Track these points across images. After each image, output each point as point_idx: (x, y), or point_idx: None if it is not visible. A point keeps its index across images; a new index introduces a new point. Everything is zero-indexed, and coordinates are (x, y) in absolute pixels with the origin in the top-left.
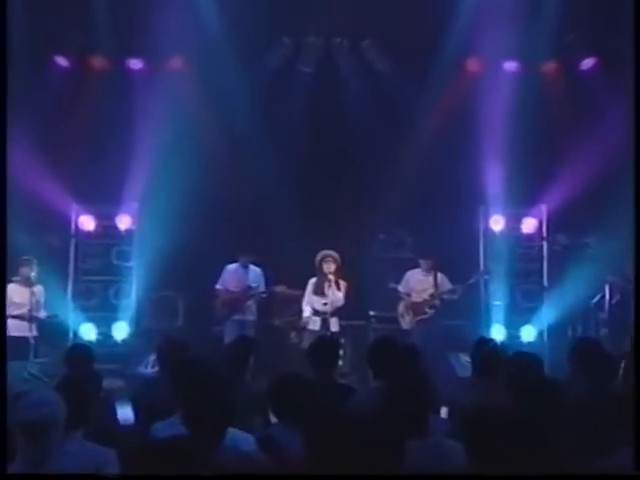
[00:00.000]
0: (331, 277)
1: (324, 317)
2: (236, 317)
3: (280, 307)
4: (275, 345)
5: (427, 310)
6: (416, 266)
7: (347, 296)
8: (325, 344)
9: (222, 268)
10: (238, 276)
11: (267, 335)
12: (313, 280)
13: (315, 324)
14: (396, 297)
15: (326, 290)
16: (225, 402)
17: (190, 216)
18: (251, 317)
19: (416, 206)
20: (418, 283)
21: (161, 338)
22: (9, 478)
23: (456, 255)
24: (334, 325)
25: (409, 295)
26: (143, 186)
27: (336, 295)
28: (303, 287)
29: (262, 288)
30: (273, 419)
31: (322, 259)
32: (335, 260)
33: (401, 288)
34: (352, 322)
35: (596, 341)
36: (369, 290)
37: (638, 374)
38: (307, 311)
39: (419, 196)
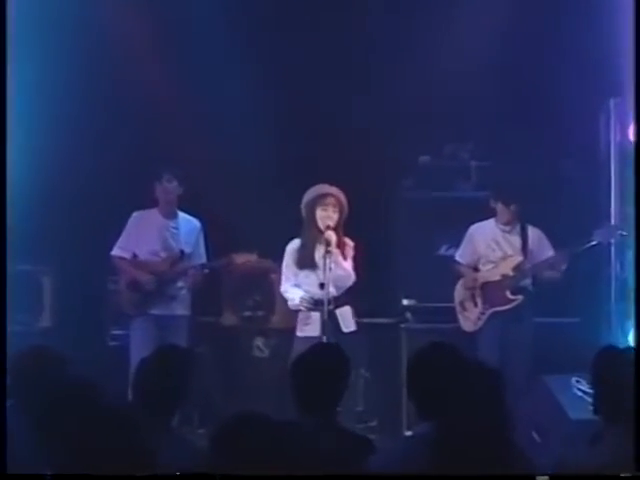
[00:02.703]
0: (330, 235)
1: (321, 309)
2: (154, 311)
3: (237, 292)
4: (227, 362)
5: (509, 296)
6: (488, 215)
7: (359, 270)
8: (321, 362)
9: (125, 219)
10: (157, 233)
11: (212, 344)
12: (296, 242)
13: (310, 324)
14: (451, 273)
15: (318, 259)
16: (137, 462)
17: (69, 122)
18: (181, 310)
19: (488, 103)
20: (492, 246)
21: (16, 347)
22: (9, 478)
23: (563, 194)
24: (348, 320)
25: (475, 269)
26: None
27: (341, 268)
28: (279, 255)
29: (203, 257)
30: None
31: (315, 201)
32: (339, 204)
33: (460, 257)
34: (370, 319)
35: None
36: (401, 261)
37: (638, 372)
38: (294, 298)
39: (494, 84)
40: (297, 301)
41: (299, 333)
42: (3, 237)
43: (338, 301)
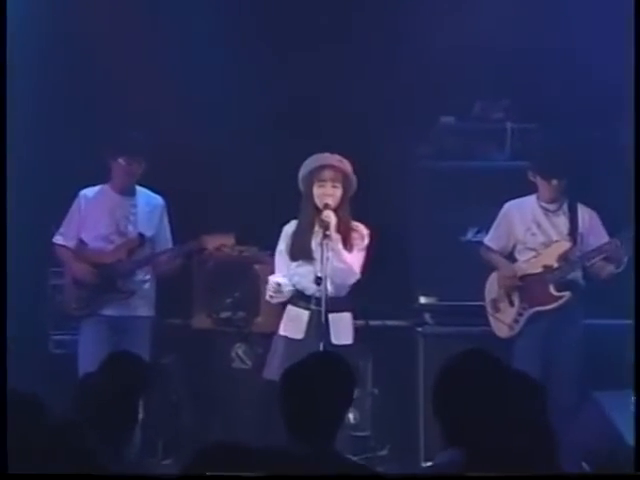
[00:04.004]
0: (328, 216)
1: (317, 310)
2: (107, 311)
3: (212, 287)
4: (199, 376)
5: (553, 292)
6: (527, 191)
7: (367, 261)
8: (317, 375)
9: (71, 197)
10: (109, 213)
11: (181, 352)
12: (293, 224)
13: (295, 323)
14: (481, 263)
15: (315, 247)
16: None
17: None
18: (142, 310)
19: (527, 51)
20: (533, 230)
21: None
22: (9, 478)
23: (621, 165)
24: (341, 330)
25: (512, 257)
26: None
27: (340, 260)
28: (266, 241)
29: (169, 241)
30: None
31: (312, 175)
32: (342, 177)
33: (491, 241)
34: (380, 322)
35: None
36: (418, 248)
37: (638, 372)
38: (278, 295)
39: (534, 29)
40: (280, 295)
41: (281, 331)
42: (3, 236)
43: (334, 303)
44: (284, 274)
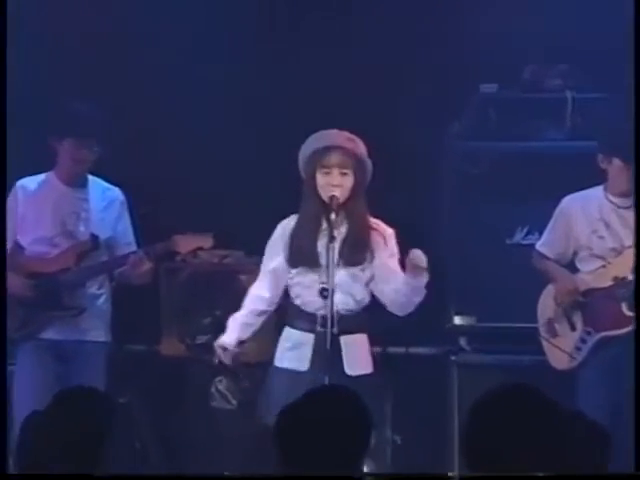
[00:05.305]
0: (337, 211)
1: (324, 332)
2: (49, 334)
3: (185, 303)
4: (169, 418)
5: (627, 313)
6: (593, 180)
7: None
8: (322, 417)
9: (5, 189)
10: (52, 209)
11: (145, 387)
12: (290, 221)
13: (299, 354)
14: (532, 273)
15: (320, 251)
16: None
17: None
18: (95, 333)
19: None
20: (600, 231)
21: None
22: (9, 478)
23: None
24: (357, 357)
25: (573, 267)
26: None
27: (352, 262)
28: (253, 244)
29: (132, 244)
30: None
31: (315, 159)
32: (352, 161)
33: (546, 246)
34: (404, 349)
35: None
36: (452, 255)
37: (638, 374)
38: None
39: None
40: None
41: (278, 362)
42: (3, 231)
43: (346, 322)
44: (272, 286)
